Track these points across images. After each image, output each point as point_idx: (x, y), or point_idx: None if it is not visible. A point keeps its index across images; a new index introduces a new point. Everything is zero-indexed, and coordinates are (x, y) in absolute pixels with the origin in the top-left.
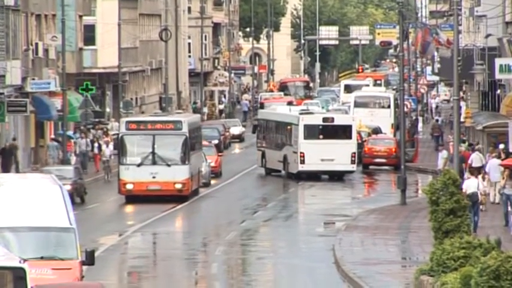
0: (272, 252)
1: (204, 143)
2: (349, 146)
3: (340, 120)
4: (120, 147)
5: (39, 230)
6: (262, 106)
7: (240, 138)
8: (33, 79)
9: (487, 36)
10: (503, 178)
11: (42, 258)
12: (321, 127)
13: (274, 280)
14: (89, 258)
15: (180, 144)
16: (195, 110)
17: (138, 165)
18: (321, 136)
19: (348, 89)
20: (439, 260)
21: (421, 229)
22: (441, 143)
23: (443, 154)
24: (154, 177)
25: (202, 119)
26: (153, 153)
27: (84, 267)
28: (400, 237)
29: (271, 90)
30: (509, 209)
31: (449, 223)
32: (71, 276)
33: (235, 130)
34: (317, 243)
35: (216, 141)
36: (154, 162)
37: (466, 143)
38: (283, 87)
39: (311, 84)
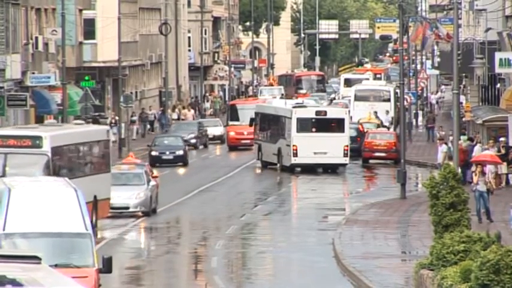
0: (272, 246)
1: (136, 161)
2: (342, 139)
3: (332, 113)
4: None
5: (53, 236)
6: (233, 107)
7: (221, 139)
8: (33, 73)
9: (487, 30)
10: (476, 175)
11: (56, 266)
12: (313, 120)
13: (274, 274)
14: (106, 266)
15: (41, 167)
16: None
17: None
18: (313, 129)
19: (348, 83)
20: (439, 254)
21: (421, 223)
22: (439, 136)
23: (443, 148)
24: None
25: (203, 116)
26: (3, 177)
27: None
28: (400, 231)
29: (271, 84)
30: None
31: (449, 217)
32: (87, 285)
33: (216, 130)
34: (317, 237)
35: (181, 152)
36: None
37: (466, 137)
38: (297, 81)
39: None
